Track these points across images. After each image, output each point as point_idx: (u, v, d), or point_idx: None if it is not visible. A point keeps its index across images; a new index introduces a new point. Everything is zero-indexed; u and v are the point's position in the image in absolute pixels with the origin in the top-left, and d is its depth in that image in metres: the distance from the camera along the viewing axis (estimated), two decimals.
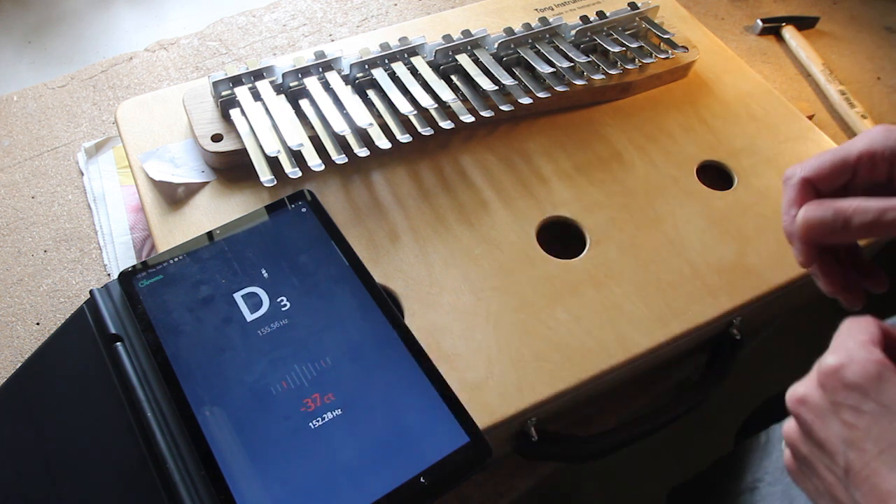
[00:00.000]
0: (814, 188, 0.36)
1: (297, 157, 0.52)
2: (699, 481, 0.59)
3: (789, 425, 0.32)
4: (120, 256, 0.60)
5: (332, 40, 0.79)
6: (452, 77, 0.58)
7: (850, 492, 0.29)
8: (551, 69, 0.57)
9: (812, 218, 0.34)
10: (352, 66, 0.56)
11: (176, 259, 0.43)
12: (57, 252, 0.60)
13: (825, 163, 0.35)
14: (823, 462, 0.30)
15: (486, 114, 0.55)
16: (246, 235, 0.45)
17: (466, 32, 0.59)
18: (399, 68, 0.56)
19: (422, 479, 0.36)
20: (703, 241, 0.53)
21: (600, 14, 0.62)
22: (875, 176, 0.35)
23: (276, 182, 0.51)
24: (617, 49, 0.60)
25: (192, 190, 0.53)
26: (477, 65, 0.57)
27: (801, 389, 0.31)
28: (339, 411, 0.38)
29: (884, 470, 0.27)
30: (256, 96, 0.54)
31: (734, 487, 0.49)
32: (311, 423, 0.37)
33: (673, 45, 0.63)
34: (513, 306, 0.48)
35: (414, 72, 0.57)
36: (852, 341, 0.30)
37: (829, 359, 0.30)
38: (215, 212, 0.52)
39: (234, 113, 0.53)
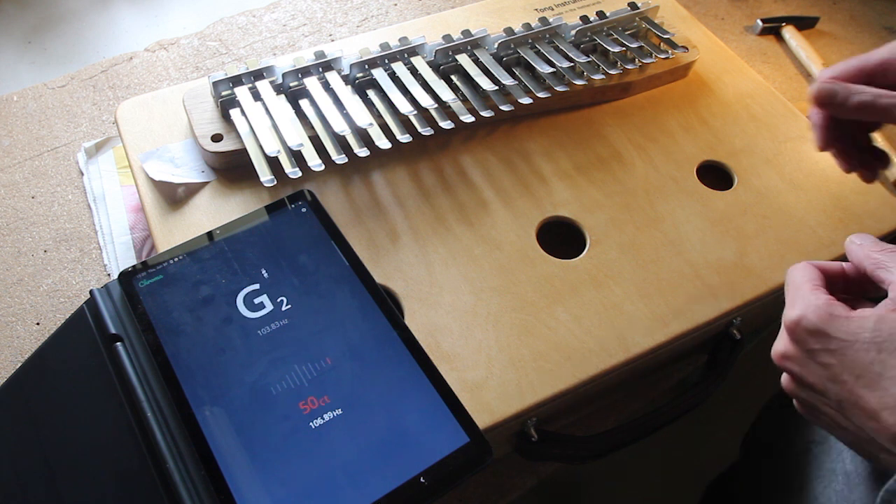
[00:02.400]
0: None
1: (297, 157, 0.52)
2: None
3: (785, 379, 0.37)
4: (120, 256, 0.60)
5: (332, 40, 0.79)
6: (452, 77, 0.58)
7: (849, 418, 0.33)
8: (551, 69, 0.57)
9: (823, 88, 0.41)
10: (352, 66, 0.56)
11: (176, 259, 0.43)
12: (57, 252, 0.60)
13: (849, 67, 0.42)
14: (821, 401, 0.35)
15: (486, 114, 0.55)
16: (246, 235, 0.45)
17: (466, 32, 0.59)
18: (399, 68, 0.56)
19: (422, 479, 0.36)
20: (703, 241, 0.53)
21: (600, 14, 0.62)
22: (890, 82, 0.41)
23: (276, 182, 0.51)
24: (617, 49, 0.60)
25: (192, 190, 0.53)
26: (477, 65, 0.57)
27: (780, 347, 0.36)
28: (339, 411, 0.38)
29: (865, 392, 0.31)
30: (256, 96, 0.54)
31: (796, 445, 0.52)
32: (311, 423, 0.37)
33: (673, 45, 0.63)
34: (513, 306, 0.48)
35: (414, 72, 0.57)
36: (802, 290, 0.35)
37: (789, 313, 0.35)
38: (215, 212, 0.52)
39: (234, 113, 0.53)
